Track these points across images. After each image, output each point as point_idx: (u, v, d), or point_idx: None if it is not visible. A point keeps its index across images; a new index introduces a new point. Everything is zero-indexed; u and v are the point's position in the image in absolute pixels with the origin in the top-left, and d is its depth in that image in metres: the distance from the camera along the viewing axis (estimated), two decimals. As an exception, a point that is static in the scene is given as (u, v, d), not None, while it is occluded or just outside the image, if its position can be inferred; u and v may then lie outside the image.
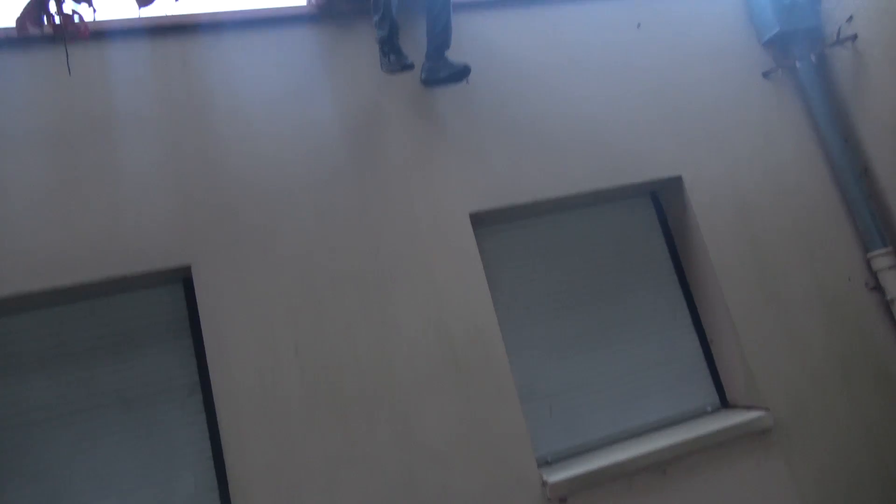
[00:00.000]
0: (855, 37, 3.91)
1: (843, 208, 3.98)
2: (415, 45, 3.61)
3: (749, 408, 3.62)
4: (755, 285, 3.73)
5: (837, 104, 4.10)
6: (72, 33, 1.60)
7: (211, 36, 3.46)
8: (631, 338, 3.75)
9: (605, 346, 3.71)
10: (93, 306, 3.17)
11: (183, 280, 3.25)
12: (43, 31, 1.65)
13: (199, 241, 3.14)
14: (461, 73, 3.41)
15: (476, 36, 3.82)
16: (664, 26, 4.11)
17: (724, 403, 3.80)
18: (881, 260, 3.83)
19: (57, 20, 1.57)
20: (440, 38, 3.45)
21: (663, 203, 4.03)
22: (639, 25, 4.05)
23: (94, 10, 1.71)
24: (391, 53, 3.37)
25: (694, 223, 3.80)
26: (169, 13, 1.79)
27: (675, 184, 3.85)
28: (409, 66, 3.35)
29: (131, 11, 1.83)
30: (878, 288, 3.86)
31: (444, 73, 3.43)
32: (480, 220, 3.57)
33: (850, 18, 3.93)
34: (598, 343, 3.70)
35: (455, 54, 3.59)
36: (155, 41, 3.36)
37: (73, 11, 1.71)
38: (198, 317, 3.09)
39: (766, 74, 4.13)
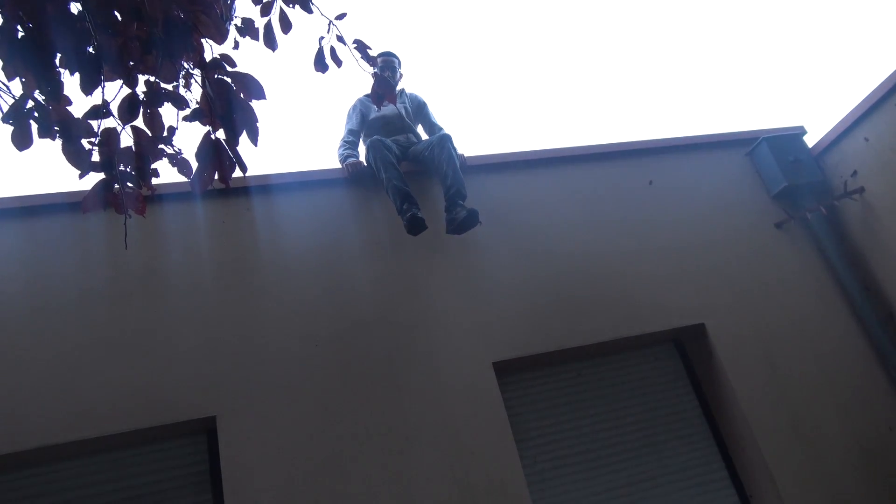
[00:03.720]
0: (862, 189, 4.06)
1: (872, 354, 3.92)
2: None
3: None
4: (790, 436, 3.60)
5: (853, 253, 4.18)
6: (130, 211, 1.77)
7: (250, 197, 3.73)
8: (665, 493, 3.57)
9: (638, 502, 3.53)
10: (114, 458, 3.15)
11: (206, 431, 3.24)
12: (105, 209, 1.82)
13: (226, 392, 3.18)
14: (472, 218, 3.58)
15: (498, 193, 4.07)
16: (675, 182, 4.34)
17: (770, 568, 3.52)
18: (922, 410, 3.70)
19: (118, 199, 1.74)
20: (452, 191, 3.70)
21: (688, 351, 4.01)
22: (651, 182, 4.28)
23: (153, 190, 1.89)
24: (401, 215, 3.63)
25: (720, 370, 3.76)
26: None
27: (698, 331, 3.86)
28: (418, 223, 3.53)
29: (178, 177, 2.01)
30: (922, 440, 3.70)
31: (454, 224, 3.61)
32: (504, 370, 3.57)
33: (855, 173, 4.12)
34: (630, 500, 3.52)
35: (479, 210, 3.80)
36: (198, 202, 3.62)
37: (133, 189, 1.89)
38: (219, 469, 3.06)
39: (778, 225, 4.26)
